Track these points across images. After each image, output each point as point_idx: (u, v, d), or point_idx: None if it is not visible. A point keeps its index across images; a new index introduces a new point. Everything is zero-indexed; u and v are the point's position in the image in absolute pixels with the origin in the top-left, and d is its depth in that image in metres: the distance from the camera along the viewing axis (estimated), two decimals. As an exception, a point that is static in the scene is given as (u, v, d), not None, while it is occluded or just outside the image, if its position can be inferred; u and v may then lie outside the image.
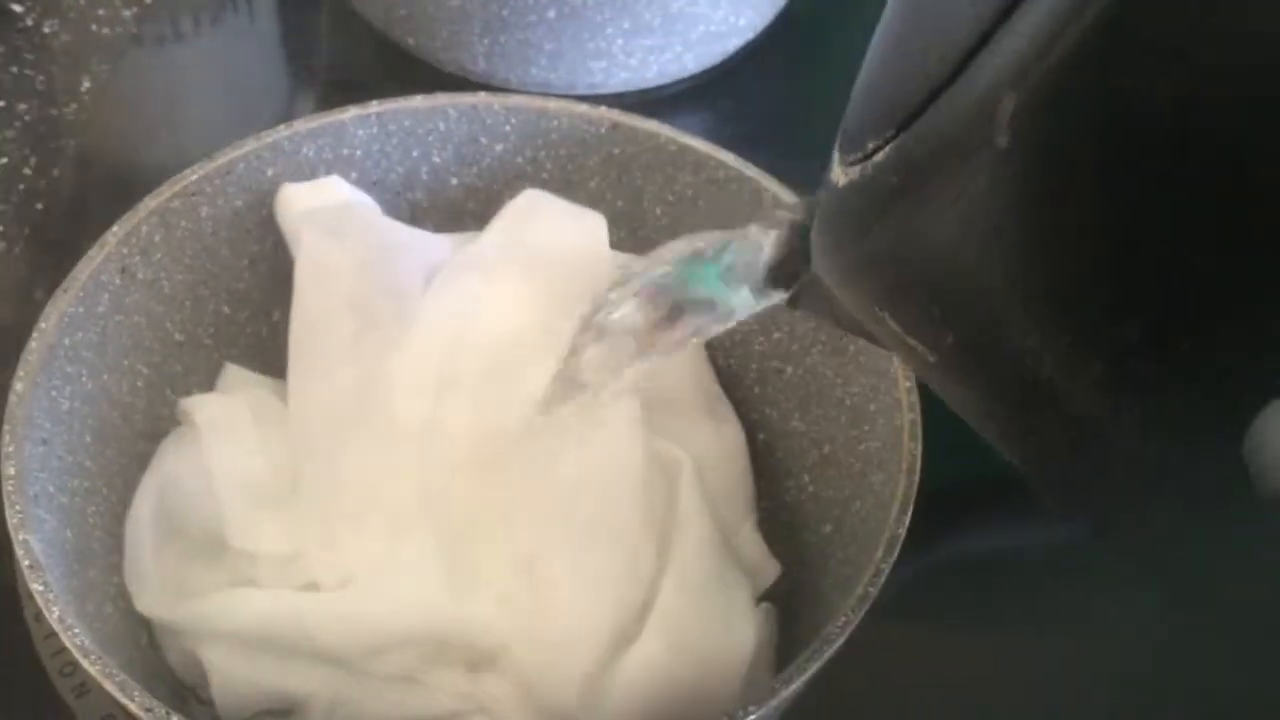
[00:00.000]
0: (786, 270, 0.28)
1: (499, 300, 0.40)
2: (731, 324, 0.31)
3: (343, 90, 0.61)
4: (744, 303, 0.30)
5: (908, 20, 0.22)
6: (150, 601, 0.36)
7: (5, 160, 0.52)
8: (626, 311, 0.33)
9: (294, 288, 0.40)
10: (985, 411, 0.24)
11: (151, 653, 0.37)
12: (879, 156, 0.21)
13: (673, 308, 0.32)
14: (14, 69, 0.56)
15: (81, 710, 0.38)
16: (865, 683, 0.38)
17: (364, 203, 0.42)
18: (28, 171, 0.52)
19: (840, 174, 0.23)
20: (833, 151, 0.24)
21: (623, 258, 0.42)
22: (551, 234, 0.42)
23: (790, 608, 0.39)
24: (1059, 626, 0.44)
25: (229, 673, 0.35)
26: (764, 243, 0.29)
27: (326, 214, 0.40)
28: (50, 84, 0.56)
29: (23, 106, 0.54)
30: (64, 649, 0.39)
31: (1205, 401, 0.19)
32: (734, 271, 0.30)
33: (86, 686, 0.39)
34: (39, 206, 0.51)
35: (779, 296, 0.29)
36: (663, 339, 0.32)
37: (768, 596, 0.39)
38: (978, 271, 0.20)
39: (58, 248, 0.50)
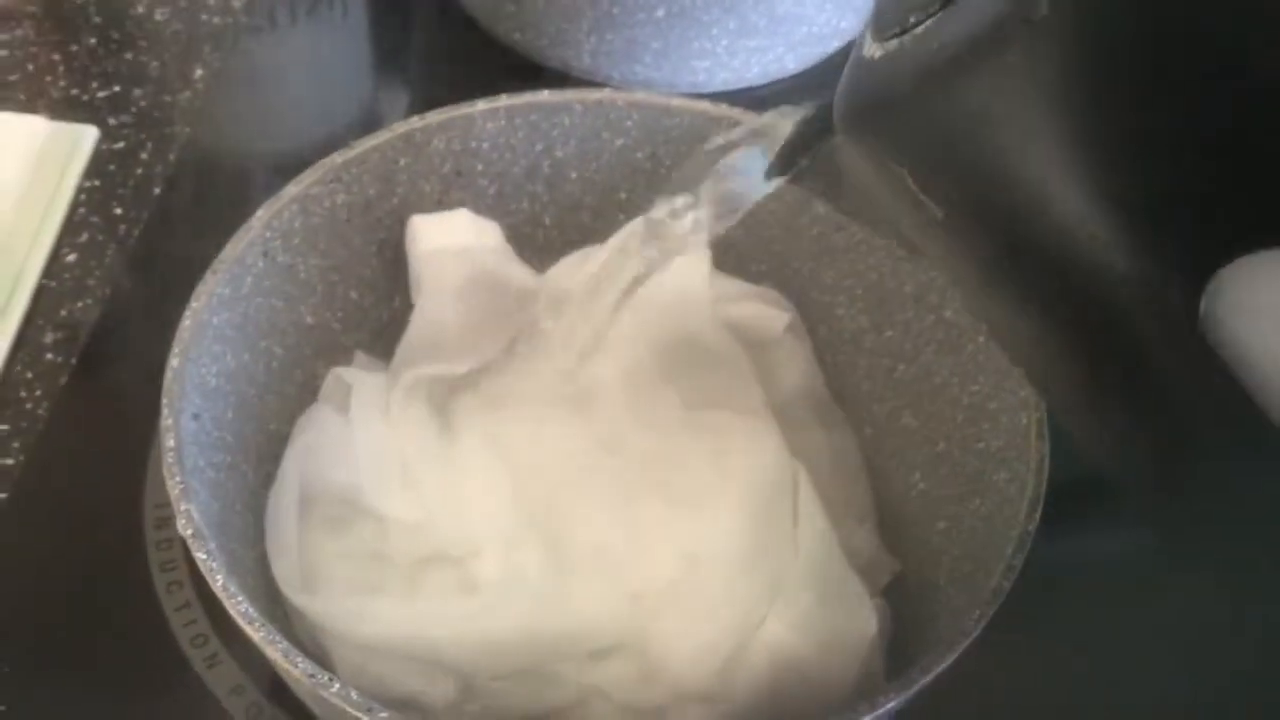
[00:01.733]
0: (794, 154, 0.32)
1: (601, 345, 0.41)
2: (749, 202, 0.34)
3: (436, 85, 0.62)
4: (759, 183, 0.33)
5: None
6: (287, 578, 0.37)
7: (122, 145, 0.54)
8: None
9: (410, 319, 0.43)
10: (978, 280, 0.27)
11: (284, 624, 0.38)
12: (919, 30, 0.23)
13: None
14: (128, 55, 0.57)
15: (212, 680, 0.39)
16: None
17: (484, 243, 0.43)
18: (144, 155, 0.53)
19: (875, 49, 0.25)
20: (864, 34, 0.26)
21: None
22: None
23: (896, 601, 0.40)
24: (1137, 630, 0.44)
25: (356, 670, 0.36)
26: (779, 132, 0.32)
27: (447, 259, 0.42)
28: (164, 71, 0.57)
29: (138, 92, 0.56)
30: (196, 620, 0.41)
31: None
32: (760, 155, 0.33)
33: (218, 658, 0.40)
34: (156, 191, 0.52)
35: (781, 181, 0.33)
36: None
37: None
38: (996, 130, 0.22)
39: (176, 231, 0.51)
